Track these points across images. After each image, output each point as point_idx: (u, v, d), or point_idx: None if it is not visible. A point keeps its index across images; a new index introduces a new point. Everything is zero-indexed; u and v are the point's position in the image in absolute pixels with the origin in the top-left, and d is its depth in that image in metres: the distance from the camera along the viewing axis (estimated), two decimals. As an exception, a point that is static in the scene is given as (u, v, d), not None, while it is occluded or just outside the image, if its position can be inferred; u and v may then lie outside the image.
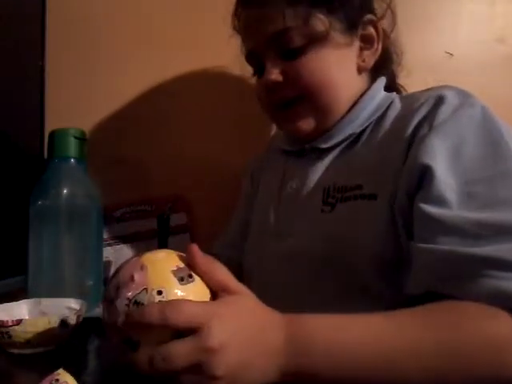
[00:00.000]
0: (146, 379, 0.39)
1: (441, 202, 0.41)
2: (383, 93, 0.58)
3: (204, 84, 0.87)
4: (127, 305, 0.34)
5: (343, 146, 0.56)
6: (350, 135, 0.55)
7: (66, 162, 0.68)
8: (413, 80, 0.66)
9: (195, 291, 0.35)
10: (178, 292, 0.34)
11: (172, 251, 0.39)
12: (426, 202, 0.42)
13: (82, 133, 0.71)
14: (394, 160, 0.47)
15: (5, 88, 0.78)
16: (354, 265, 0.47)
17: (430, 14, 0.83)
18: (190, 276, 0.35)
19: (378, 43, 0.56)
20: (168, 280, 0.35)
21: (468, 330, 0.36)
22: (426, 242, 0.41)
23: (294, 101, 0.55)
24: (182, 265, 0.36)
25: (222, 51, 0.82)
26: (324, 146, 0.56)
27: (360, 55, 0.56)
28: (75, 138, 0.69)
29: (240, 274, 0.63)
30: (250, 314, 0.36)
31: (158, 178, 0.88)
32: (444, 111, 0.45)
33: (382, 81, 0.58)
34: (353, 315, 0.41)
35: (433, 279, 0.40)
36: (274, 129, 0.86)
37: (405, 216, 0.45)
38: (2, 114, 0.77)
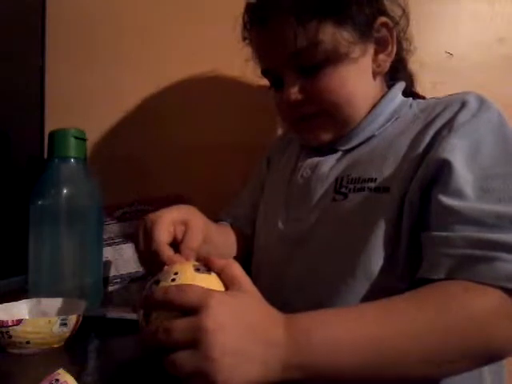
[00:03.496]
0: (146, 379, 0.39)
1: (459, 194, 0.44)
2: (401, 97, 0.58)
3: (205, 84, 0.87)
4: (151, 283, 0.39)
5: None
6: (368, 138, 0.56)
7: (66, 162, 0.68)
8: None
9: (207, 282, 0.38)
10: (191, 276, 0.38)
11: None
12: (444, 195, 0.44)
13: (82, 133, 0.70)
14: (412, 157, 0.49)
15: (5, 88, 0.78)
16: (361, 251, 0.49)
17: (430, 14, 0.83)
18: (208, 270, 0.39)
19: (392, 45, 0.56)
20: (186, 267, 0.39)
21: (455, 309, 0.38)
22: (443, 231, 0.43)
23: (314, 114, 0.56)
24: (203, 266, 0.40)
25: (223, 51, 0.82)
26: (343, 148, 0.58)
27: (375, 60, 0.56)
28: (75, 138, 0.68)
29: (247, 246, 0.66)
30: (252, 306, 0.37)
31: (158, 178, 0.88)
32: (464, 114, 0.48)
33: (400, 85, 0.59)
34: (346, 307, 0.43)
35: (453, 264, 0.41)
36: (277, 129, 0.86)
37: (413, 208, 0.47)
38: (2, 114, 0.77)
